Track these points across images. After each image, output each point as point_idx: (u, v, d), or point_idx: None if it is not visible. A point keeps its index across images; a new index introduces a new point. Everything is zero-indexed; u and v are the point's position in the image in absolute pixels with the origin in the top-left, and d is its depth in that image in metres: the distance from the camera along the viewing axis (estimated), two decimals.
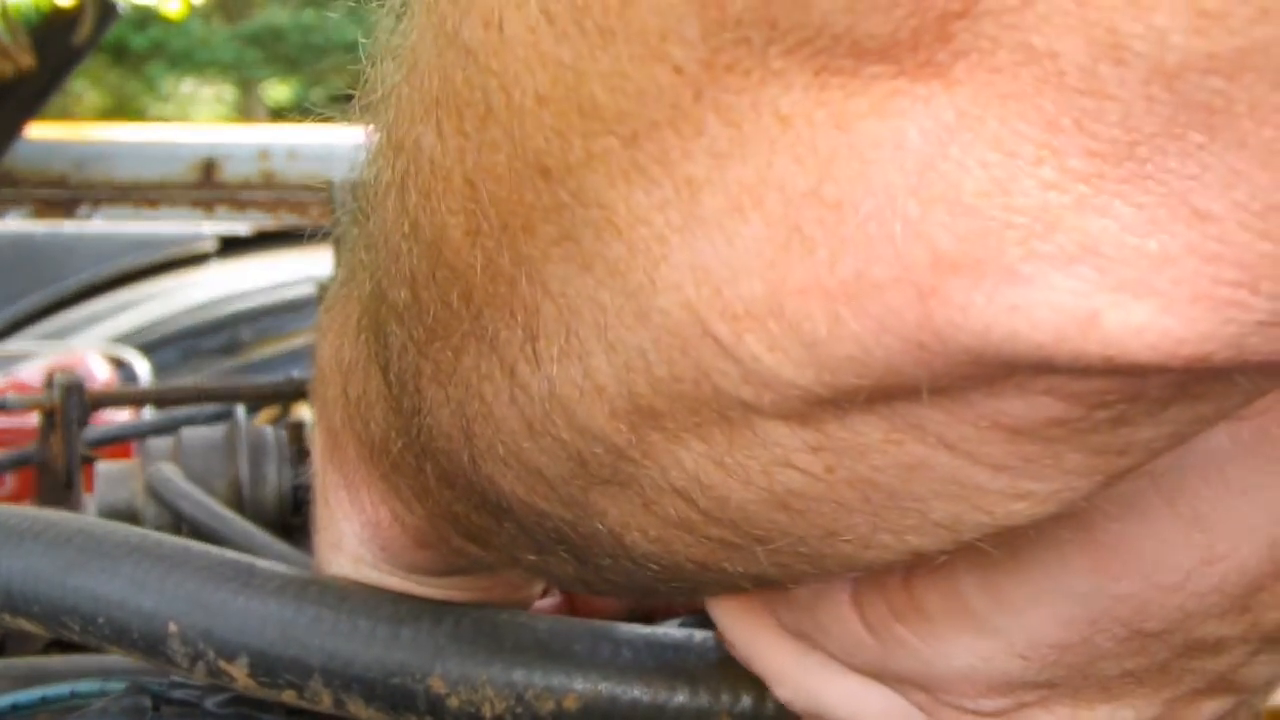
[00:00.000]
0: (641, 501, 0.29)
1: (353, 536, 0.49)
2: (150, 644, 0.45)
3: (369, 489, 0.47)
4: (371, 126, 0.31)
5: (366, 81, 0.31)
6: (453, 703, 0.44)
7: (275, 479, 0.76)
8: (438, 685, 0.44)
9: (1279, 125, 0.19)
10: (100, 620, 0.45)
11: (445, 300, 0.29)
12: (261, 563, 0.47)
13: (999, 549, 0.30)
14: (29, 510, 0.50)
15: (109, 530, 0.48)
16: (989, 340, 0.21)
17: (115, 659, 0.53)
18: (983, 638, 0.35)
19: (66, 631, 0.46)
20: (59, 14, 1.63)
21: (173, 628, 0.45)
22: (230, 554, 0.48)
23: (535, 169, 0.25)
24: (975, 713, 0.36)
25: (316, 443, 0.50)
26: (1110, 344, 0.21)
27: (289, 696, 0.45)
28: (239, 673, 0.45)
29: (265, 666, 0.45)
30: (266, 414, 0.94)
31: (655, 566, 0.32)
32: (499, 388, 0.29)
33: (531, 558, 0.38)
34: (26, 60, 1.59)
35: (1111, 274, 0.20)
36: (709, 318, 0.24)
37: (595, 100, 0.23)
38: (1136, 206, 0.20)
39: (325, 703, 0.45)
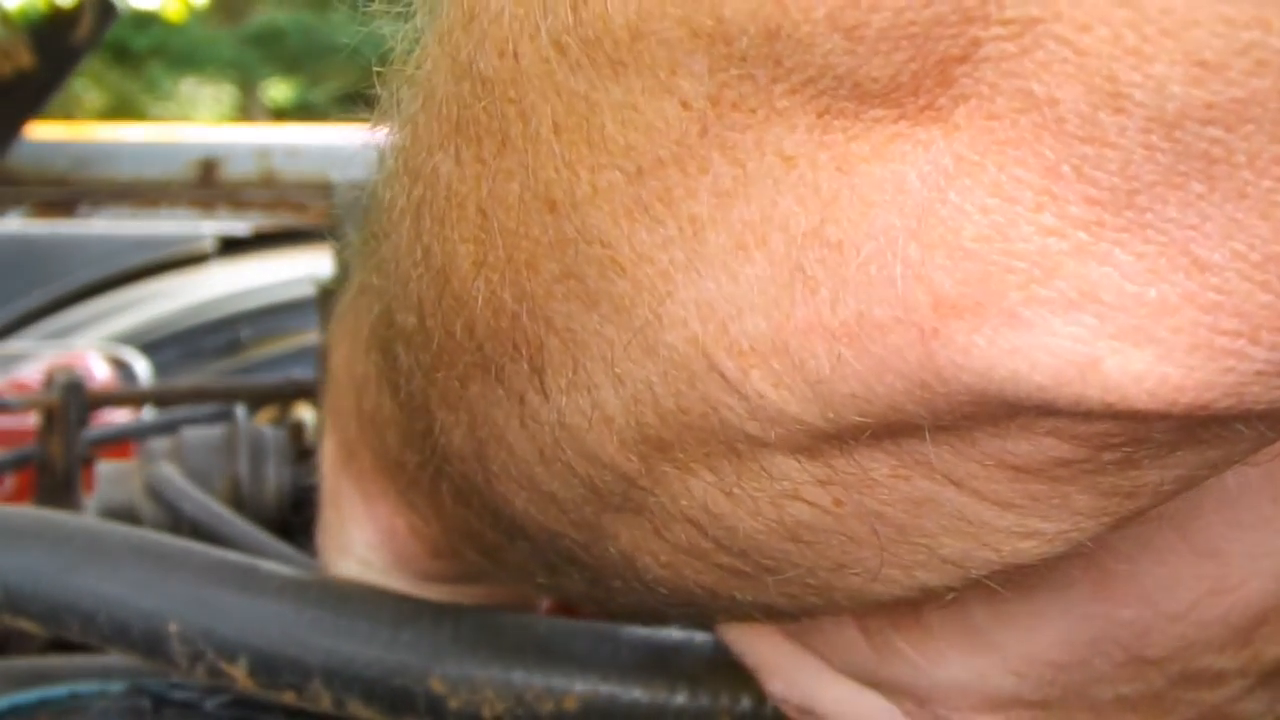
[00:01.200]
0: (653, 527, 0.30)
1: (363, 544, 0.49)
2: (151, 643, 0.45)
3: (385, 500, 0.47)
4: (387, 152, 0.31)
5: (381, 106, 0.31)
6: (453, 704, 0.44)
7: (275, 479, 0.76)
8: (438, 686, 0.44)
9: (1278, 177, 0.19)
10: (100, 619, 0.45)
11: (450, 330, 0.29)
12: (262, 563, 0.47)
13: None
14: (29, 510, 0.50)
15: (109, 530, 0.48)
16: (991, 381, 0.21)
17: (115, 659, 0.53)
18: (979, 653, 0.35)
19: (66, 630, 0.46)
20: (59, 14, 1.63)
21: (173, 627, 0.45)
22: (231, 554, 0.48)
23: (544, 201, 0.25)
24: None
25: (327, 450, 0.50)
26: (1110, 390, 0.21)
27: (289, 697, 0.45)
28: (239, 673, 0.45)
29: (265, 667, 0.45)
30: (266, 414, 0.94)
31: (665, 591, 0.32)
32: (509, 414, 0.30)
33: (543, 579, 0.38)
34: (26, 60, 1.59)
35: (1111, 321, 0.20)
36: (715, 354, 0.24)
37: (605, 132, 0.23)
38: (1136, 255, 0.20)
39: (325, 703, 0.45)
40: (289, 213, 1.91)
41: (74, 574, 0.46)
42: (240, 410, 0.88)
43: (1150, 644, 0.34)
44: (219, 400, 0.90)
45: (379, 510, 0.48)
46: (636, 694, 0.44)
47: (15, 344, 1.32)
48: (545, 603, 0.59)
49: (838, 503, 0.26)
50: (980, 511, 0.26)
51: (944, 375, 0.22)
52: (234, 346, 1.42)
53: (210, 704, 0.51)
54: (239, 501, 0.75)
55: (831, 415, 0.23)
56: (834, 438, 0.24)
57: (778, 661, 0.39)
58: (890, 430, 0.24)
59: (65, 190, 1.96)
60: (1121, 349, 0.20)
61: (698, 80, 0.22)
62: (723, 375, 0.24)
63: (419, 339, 0.32)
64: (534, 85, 0.24)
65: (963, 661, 0.35)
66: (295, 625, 0.45)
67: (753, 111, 0.22)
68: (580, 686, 0.44)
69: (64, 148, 2.02)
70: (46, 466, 0.79)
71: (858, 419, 0.23)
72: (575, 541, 0.33)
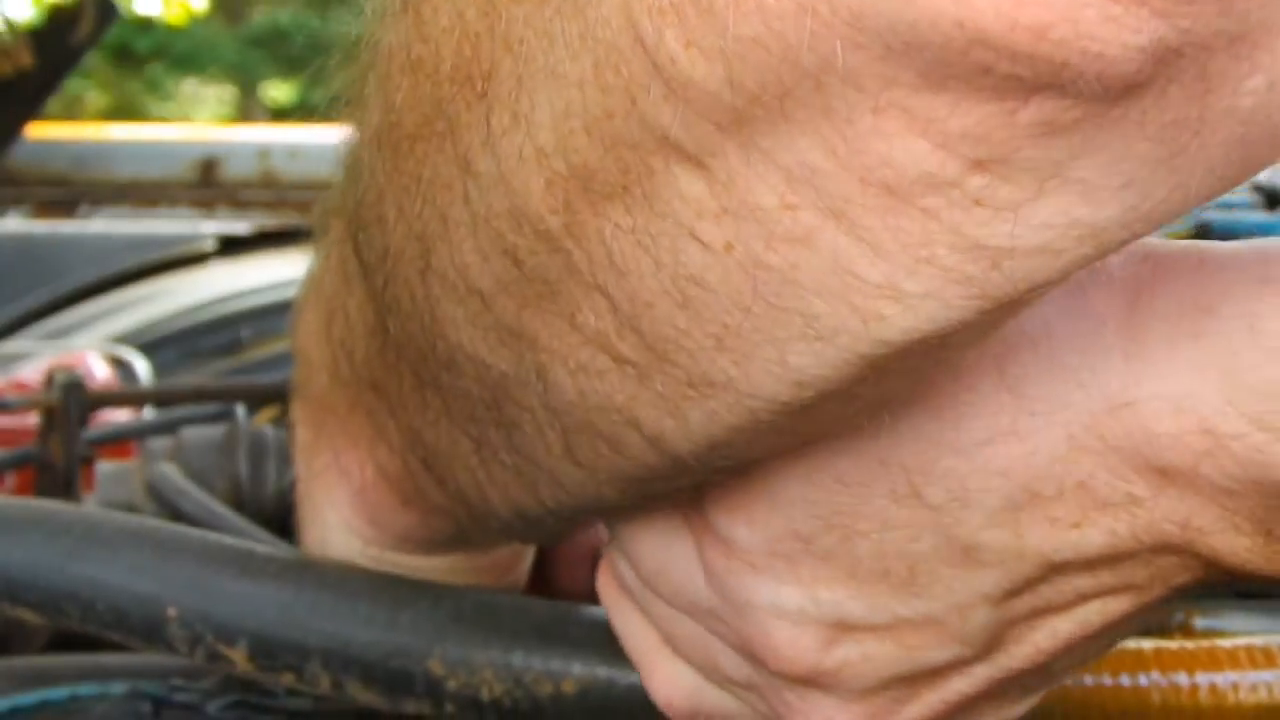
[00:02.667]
0: (568, 314, 0.31)
1: (339, 523, 0.50)
2: (149, 629, 0.45)
3: (354, 448, 0.48)
4: None
5: None
6: (451, 685, 0.44)
7: (275, 478, 0.76)
8: (436, 667, 0.44)
9: None
10: (99, 606, 0.45)
11: (416, 93, 0.31)
12: (260, 547, 0.47)
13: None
14: (27, 500, 0.50)
15: (107, 518, 0.48)
16: None
17: (116, 659, 0.53)
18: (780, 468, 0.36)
19: (66, 619, 0.46)
20: (59, 14, 1.63)
21: (172, 612, 0.45)
22: (229, 539, 0.48)
23: None
24: (728, 544, 0.37)
25: (299, 439, 0.51)
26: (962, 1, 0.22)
27: (288, 679, 0.45)
28: (239, 656, 0.45)
29: (265, 649, 0.45)
30: (266, 414, 0.94)
31: (571, 420, 0.34)
32: (454, 193, 0.31)
33: (479, 471, 0.39)
34: (26, 60, 1.59)
35: None
36: (639, 17, 0.25)
37: None
38: None
39: (324, 685, 0.45)
40: (289, 213, 1.91)
41: (72, 562, 0.46)
42: (240, 410, 0.87)
43: (933, 480, 0.34)
44: (219, 400, 0.90)
45: (349, 464, 0.49)
46: (634, 678, 0.44)
47: (15, 344, 1.32)
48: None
49: (728, 246, 0.28)
50: (854, 258, 0.27)
51: None
52: (234, 346, 1.42)
53: (212, 707, 0.51)
54: (239, 501, 0.75)
55: (734, 74, 0.25)
56: (733, 123, 0.26)
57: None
58: (781, 105, 0.25)
59: (65, 190, 1.96)
60: None
61: None
62: (642, 44, 0.26)
63: (384, 127, 0.34)
64: None
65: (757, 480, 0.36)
66: (294, 607, 0.45)
67: None
68: (579, 669, 0.44)
69: (64, 148, 2.02)
70: (46, 466, 0.79)
71: (756, 78, 0.25)
72: (499, 367, 0.34)
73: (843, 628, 0.37)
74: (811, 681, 0.38)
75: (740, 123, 0.26)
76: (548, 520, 0.41)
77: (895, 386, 0.32)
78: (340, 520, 0.50)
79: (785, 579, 0.37)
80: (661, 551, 0.40)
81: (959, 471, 0.34)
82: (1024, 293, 0.27)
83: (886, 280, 0.27)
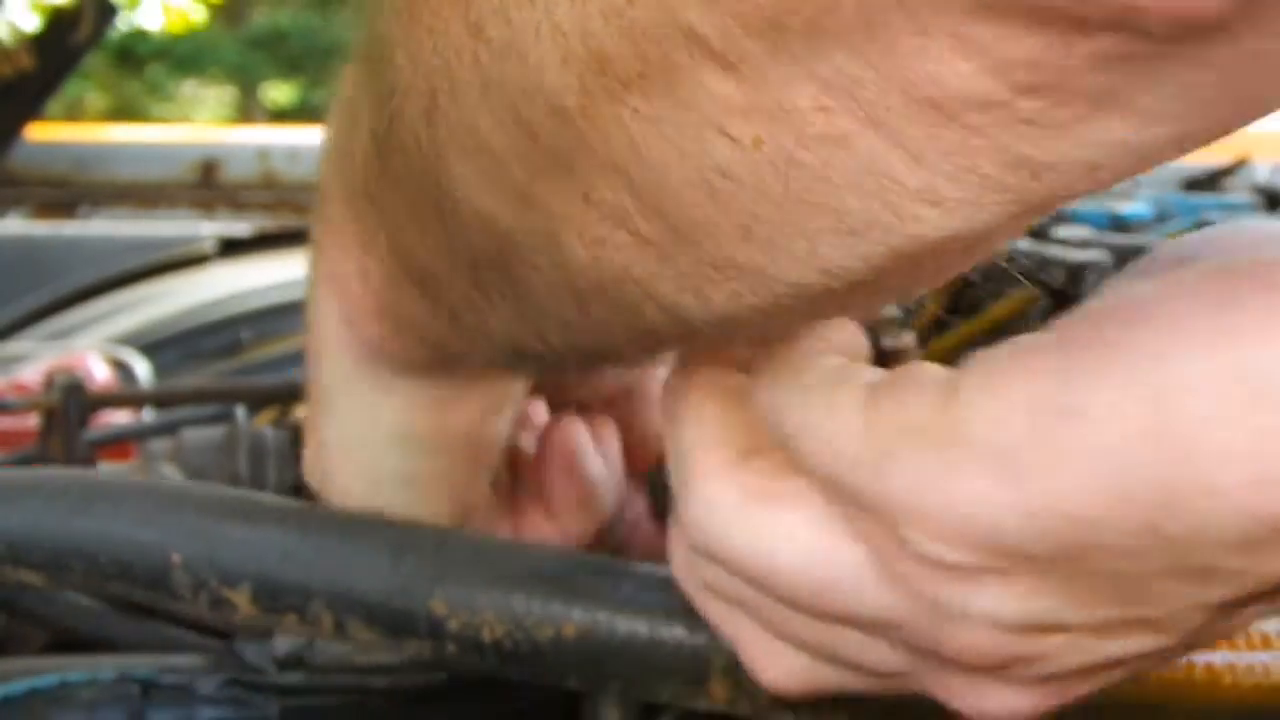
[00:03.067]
0: (582, 190, 0.30)
1: (329, 335, 0.48)
2: (153, 577, 0.46)
3: (343, 256, 0.46)
4: None
5: None
6: (453, 625, 0.44)
7: (275, 479, 0.76)
8: (439, 608, 0.45)
9: None
10: (103, 559, 0.46)
11: None
12: (263, 496, 0.48)
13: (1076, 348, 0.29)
14: (24, 469, 0.50)
15: (106, 475, 0.48)
16: None
17: (108, 659, 0.53)
18: (1003, 477, 0.32)
19: (70, 575, 0.46)
20: (59, 14, 1.63)
21: (176, 558, 0.45)
22: (231, 490, 0.48)
23: None
24: (934, 563, 0.34)
25: (314, 284, 0.48)
26: None
27: (290, 621, 0.45)
28: (242, 599, 0.45)
29: (268, 592, 0.45)
30: (266, 414, 0.94)
31: (584, 284, 0.32)
32: (464, 58, 0.30)
33: (475, 295, 0.37)
34: (27, 62, 1.59)
35: None
36: None
37: None
38: None
39: (326, 626, 0.45)
40: (289, 214, 1.92)
41: (74, 518, 0.46)
42: (240, 411, 0.87)
43: (1174, 516, 0.31)
44: (219, 401, 0.90)
45: (336, 273, 0.47)
46: (635, 626, 0.44)
47: (15, 345, 1.32)
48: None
49: (757, 141, 0.26)
50: (892, 162, 0.25)
51: None
52: (234, 348, 1.42)
53: (203, 687, 0.51)
54: None
55: None
56: (766, 29, 0.24)
57: (716, 487, 0.37)
58: (818, 19, 0.24)
59: (66, 191, 1.96)
60: None
61: None
62: None
63: None
64: None
65: (976, 476, 0.32)
66: (298, 549, 0.45)
67: None
68: (579, 615, 0.44)
69: (65, 149, 2.02)
70: (47, 467, 0.79)
71: None
72: (509, 223, 0.33)
73: (1053, 629, 0.35)
74: (998, 671, 0.36)
75: (772, 29, 0.24)
76: (542, 352, 0.38)
77: (925, 276, 0.31)
78: (329, 332, 0.48)
79: (996, 590, 0.34)
80: (819, 570, 0.36)
81: (1201, 508, 0.32)
82: (1061, 199, 0.27)
83: (926, 186, 0.26)
